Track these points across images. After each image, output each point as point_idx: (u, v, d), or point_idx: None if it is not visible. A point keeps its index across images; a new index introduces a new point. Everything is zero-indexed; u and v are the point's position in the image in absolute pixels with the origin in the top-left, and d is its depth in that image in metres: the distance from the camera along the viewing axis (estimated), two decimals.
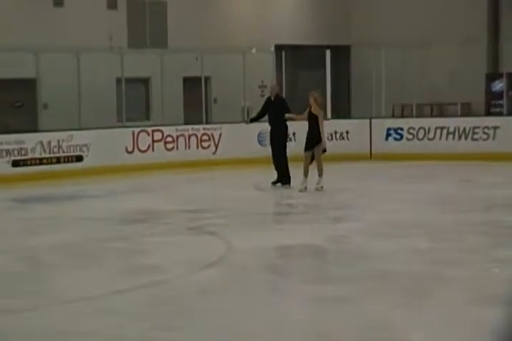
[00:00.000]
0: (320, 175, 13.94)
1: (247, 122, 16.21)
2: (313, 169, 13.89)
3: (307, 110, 14.27)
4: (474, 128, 19.20)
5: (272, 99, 15.24)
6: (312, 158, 13.96)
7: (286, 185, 14.64)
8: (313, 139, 14.00)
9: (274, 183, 14.81)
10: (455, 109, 21.21)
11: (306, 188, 13.89)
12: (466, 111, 21.88)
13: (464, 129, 19.28)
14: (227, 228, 10.95)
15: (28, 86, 19.69)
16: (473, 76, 22.21)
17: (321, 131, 14.00)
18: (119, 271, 8.43)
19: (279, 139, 14.91)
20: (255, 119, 15.79)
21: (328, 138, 19.91)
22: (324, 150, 14.04)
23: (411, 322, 6.30)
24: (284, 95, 21.33)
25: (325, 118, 14.61)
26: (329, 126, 19.98)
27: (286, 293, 7.51)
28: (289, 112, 14.88)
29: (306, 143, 14.14)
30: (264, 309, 6.82)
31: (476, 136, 19.17)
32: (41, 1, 20.44)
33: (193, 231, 10.67)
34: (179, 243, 9.89)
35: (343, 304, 6.84)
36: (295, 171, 14.38)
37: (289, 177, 14.69)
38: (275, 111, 14.91)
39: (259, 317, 6.54)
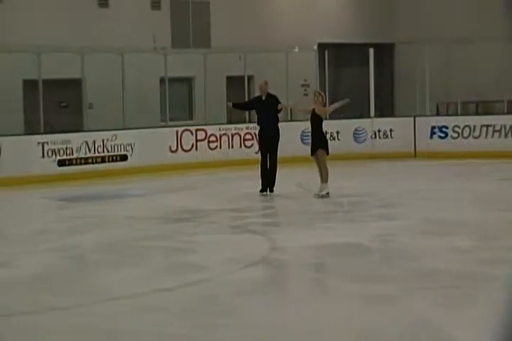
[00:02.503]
0: (323, 180, 13.21)
1: (229, 105, 14.78)
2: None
3: (311, 108, 13.45)
4: None
5: (263, 98, 14.08)
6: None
7: (271, 193, 13.78)
8: (317, 143, 13.25)
9: (262, 191, 13.81)
10: (501, 106, 20.96)
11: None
12: None
13: (510, 127, 19.09)
14: (271, 226, 11.00)
15: (73, 86, 19.90)
16: None
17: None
18: (162, 270, 8.49)
19: (271, 142, 13.82)
20: (237, 106, 14.88)
21: (371, 137, 19.95)
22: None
23: (453, 321, 6.26)
24: (326, 94, 21.28)
25: (325, 118, 13.66)
26: (373, 124, 20.03)
27: (330, 291, 7.51)
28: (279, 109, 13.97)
29: (313, 146, 13.36)
30: (308, 307, 6.82)
31: None
32: (86, 2, 20.66)
33: (236, 230, 10.71)
34: (223, 241, 9.91)
35: (387, 302, 6.82)
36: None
37: (274, 183, 13.81)
38: (267, 111, 13.84)
39: (302, 315, 6.54)
